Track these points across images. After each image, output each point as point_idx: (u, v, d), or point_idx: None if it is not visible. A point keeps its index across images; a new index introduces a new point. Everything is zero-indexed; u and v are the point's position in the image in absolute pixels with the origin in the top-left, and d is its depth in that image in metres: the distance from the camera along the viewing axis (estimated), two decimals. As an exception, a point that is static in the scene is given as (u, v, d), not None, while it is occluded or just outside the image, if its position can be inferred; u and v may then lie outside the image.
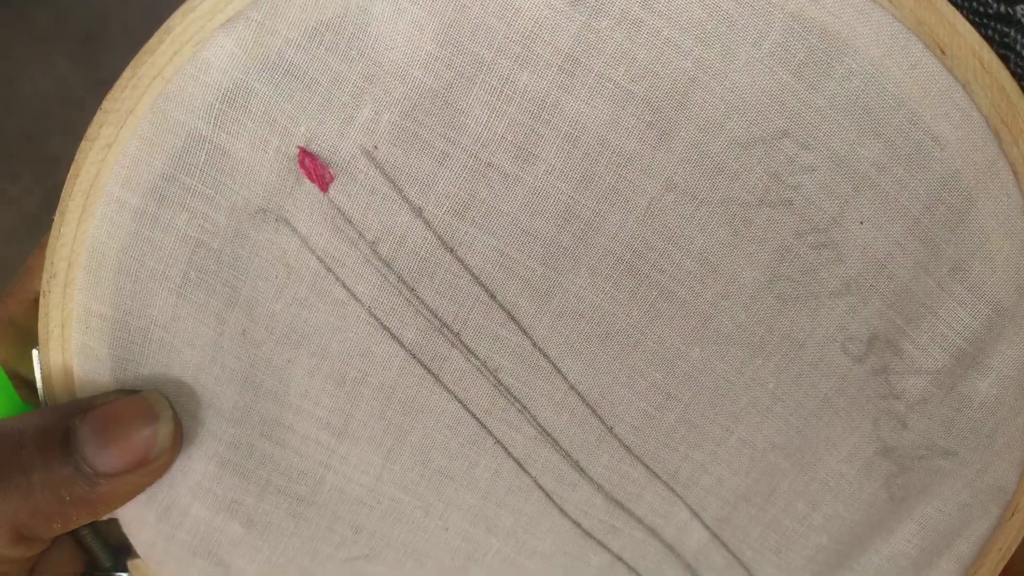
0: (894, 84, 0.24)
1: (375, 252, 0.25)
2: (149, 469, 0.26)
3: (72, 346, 0.27)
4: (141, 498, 0.28)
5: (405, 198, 0.25)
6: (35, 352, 0.27)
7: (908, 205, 0.25)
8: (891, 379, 0.27)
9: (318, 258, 0.26)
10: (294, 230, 0.25)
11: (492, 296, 0.26)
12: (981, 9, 0.23)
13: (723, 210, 0.25)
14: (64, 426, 0.25)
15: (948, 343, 0.26)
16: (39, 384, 0.27)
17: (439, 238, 0.25)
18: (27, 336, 0.28)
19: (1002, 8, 0.23)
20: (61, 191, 0.25)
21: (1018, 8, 0.23)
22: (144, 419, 0.26)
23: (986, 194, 0.25)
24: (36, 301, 0.28)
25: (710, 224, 0.25)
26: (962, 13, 0.24)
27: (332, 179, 0.25)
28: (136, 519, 0.29)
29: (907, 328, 0.26)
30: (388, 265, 0.26)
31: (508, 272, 0.26)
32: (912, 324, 0.26)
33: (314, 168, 0.24)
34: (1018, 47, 0.24)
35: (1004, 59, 0.23)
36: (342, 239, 0.25)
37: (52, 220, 0.26)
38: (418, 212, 0.25)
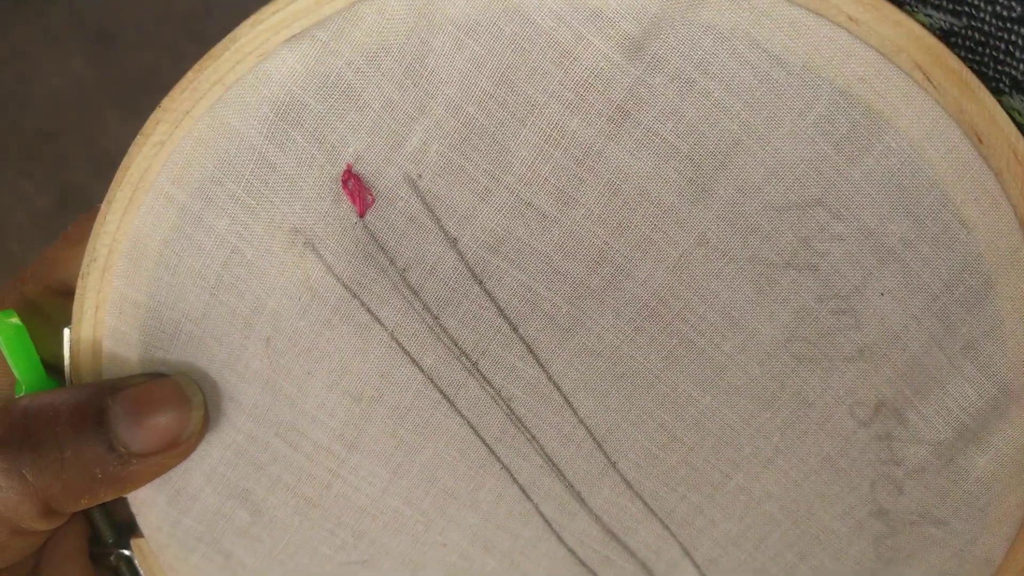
0: (930, 166, 0.24)
1: (404, 279, 0.26)
2: (178, 451, 0.27)
3: (104, 329, 0.27)
4: (155, 480, 0.28)
5: (442, 228, 0.25)
6: (66, 331, 0.27)
7: (929, 282, 0.26)
8: (893, 445, 0.28)
9: (343, 285, 0.26)
10: (320, 256, 0.26)
11: (514, 329, 0.27)
12: (1004, 13, 0.24)
13: (751, 268, 0.26)
14: (97, 404, 0.26)
15: (952, 417, 0.27)
16: (66, 362, 0.28)
17: (470, 270, 0.26)
18: (42, 318, 0.29)
19: (1026, 11, 0.23)
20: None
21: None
22: (176, 402, 0.27)
23: (1005, 279, 0.26)
24: (53, 289, 0.29)
25: (736, 280, 0.26)
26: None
27: (373, 202, 0.25)
28: (147, 500, 0.29)
29: (914, 399, 0.27)
30: (415, 293, 0.26)
31: (533, 307, 0.27)
32: (920, 395, 0.27)
33: (357, 189, 0.25)
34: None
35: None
36: (371, 265, 0.26)
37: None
38: (453, 243, 0.26)
